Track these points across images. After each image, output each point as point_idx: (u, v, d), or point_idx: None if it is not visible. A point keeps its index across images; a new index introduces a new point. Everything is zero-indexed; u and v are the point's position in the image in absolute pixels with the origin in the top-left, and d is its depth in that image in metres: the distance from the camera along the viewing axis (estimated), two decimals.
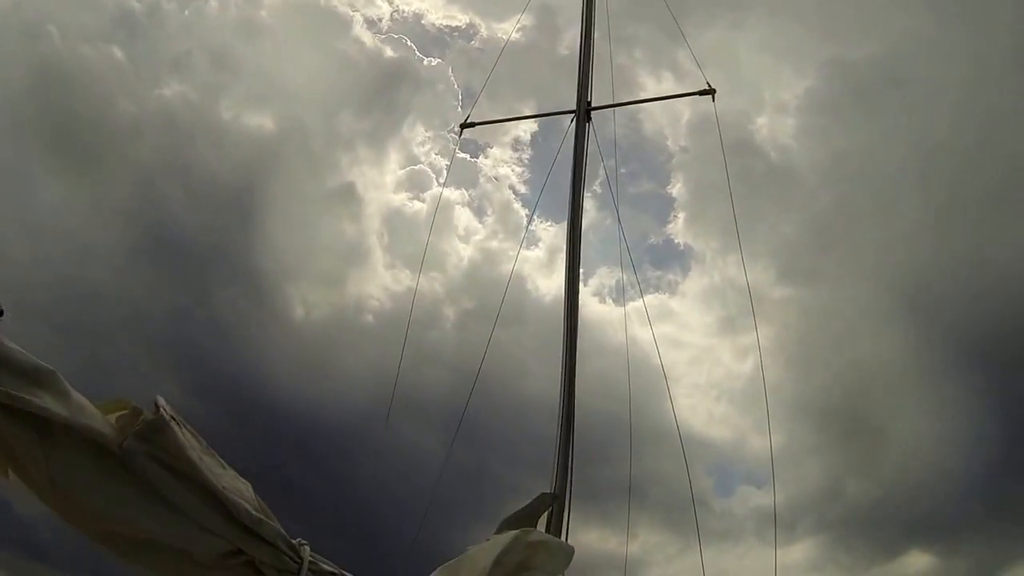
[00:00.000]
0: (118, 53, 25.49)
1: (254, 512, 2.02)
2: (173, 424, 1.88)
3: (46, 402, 1.65)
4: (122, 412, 1.89)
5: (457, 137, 9.86)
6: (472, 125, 9.12)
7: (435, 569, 3.65)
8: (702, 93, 8.32)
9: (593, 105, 7.78)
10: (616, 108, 8.37)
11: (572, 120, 7.66)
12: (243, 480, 2.15)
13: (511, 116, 10.78)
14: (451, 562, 3.65)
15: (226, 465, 2.14)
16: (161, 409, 1.87)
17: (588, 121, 7.55)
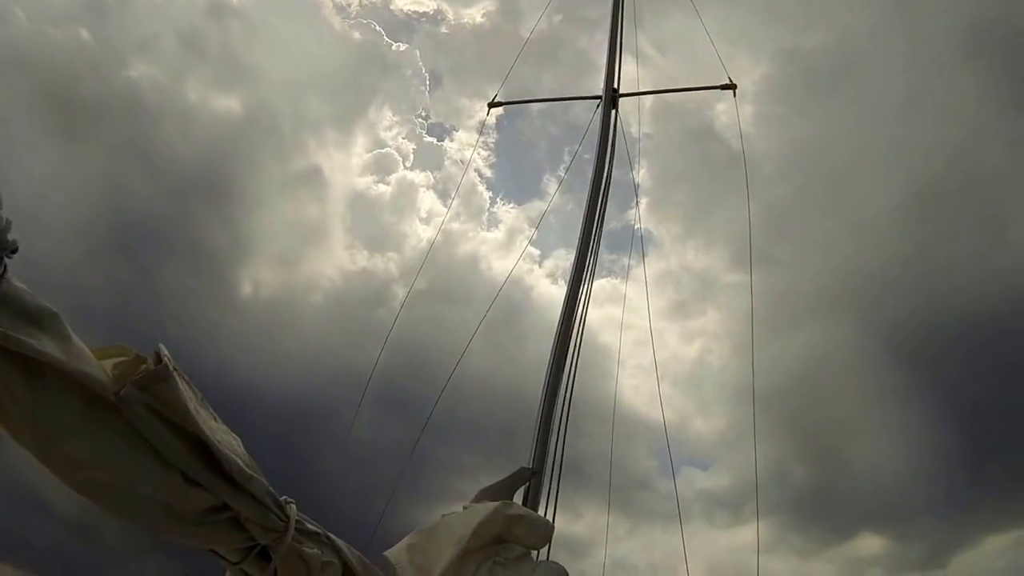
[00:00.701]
0: (85, 34, 24.93)
1: (246, 468, 1.97)
2: (176, 374, 1.82)
3: (43, 344, 1.58)
4: (120, 359, 1.83)
5: (485, 115, 10.11)
6: (499, 104, 9.48)
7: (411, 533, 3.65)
8: (724, 87, 8.63)
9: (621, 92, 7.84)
10: (642, 96, 8.60)
11: (597, 104, 7.75)
12: (234, 435, 2.10)
13: (536, 98, 11.30)
14: (425, 528, 3.64)
15: (218, 419, 2.09)
16: (164, 359, 1.82)
17: (615, 107, 7.59)
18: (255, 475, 2.00)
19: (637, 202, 9.02)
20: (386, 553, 3.45)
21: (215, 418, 2.06)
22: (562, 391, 5.25)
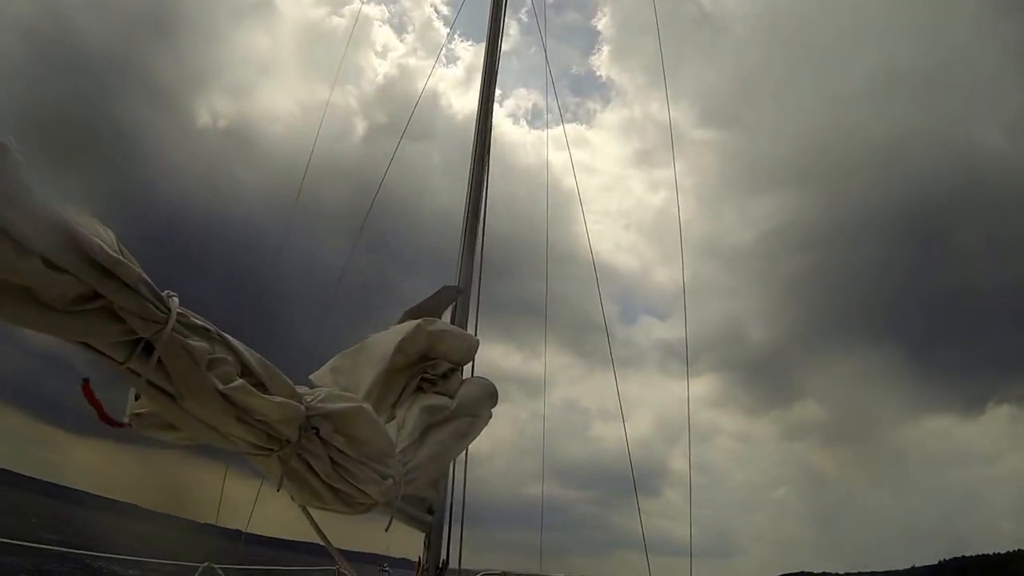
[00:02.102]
0: None
1: (111, 252, 1.75)
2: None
3: None
4: None
5: None
6: None
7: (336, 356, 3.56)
8: None
9: None
10: None
11: None
12: (105, 228, 1.87)
13: None
14: (350, 349, 3.53)
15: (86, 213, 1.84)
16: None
17: None
18: (124, 260, 1.79)
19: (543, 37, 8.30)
20: (310, 376, 3.36)
21: (82, 212, 1.81)
22: (482, 210, 5.09)
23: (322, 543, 3.15)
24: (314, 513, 2.92)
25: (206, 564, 5.22)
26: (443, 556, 4.15)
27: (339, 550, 3.28)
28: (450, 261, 4.91)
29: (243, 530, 5.09)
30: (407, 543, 4.16)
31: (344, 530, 3.28)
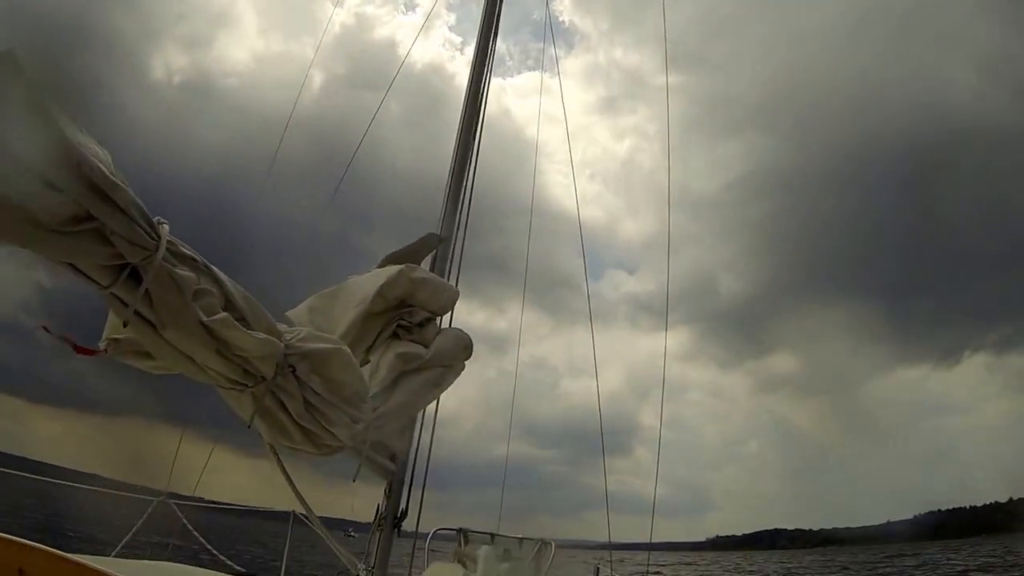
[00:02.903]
0: None
1: (109, 174, 1.74)
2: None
3: None
4: None
5: None
6: None
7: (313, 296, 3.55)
8: None
9: None
10: None
11: None
12: (104, 149, 1.84)
13: None
14: (329, 289, 3.52)
15: (86, 133, 1.81)
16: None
17: None
18: (120, 184, 1.77)
19: None
20: (287, 313, 3.35)
21: (82, 131, 1.79)
22: (471, 160, 5.04)
23: (286, 481, 3.17)
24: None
25: (161, 499, 5.25)
26: (402, 506, 4.22)
27: (302, 497, 3.31)
28: (428, 215, 4.89)
29: (192, 493, 5.14)
30: (372, 508, 4.24)
31: (310, 498, 3.34)
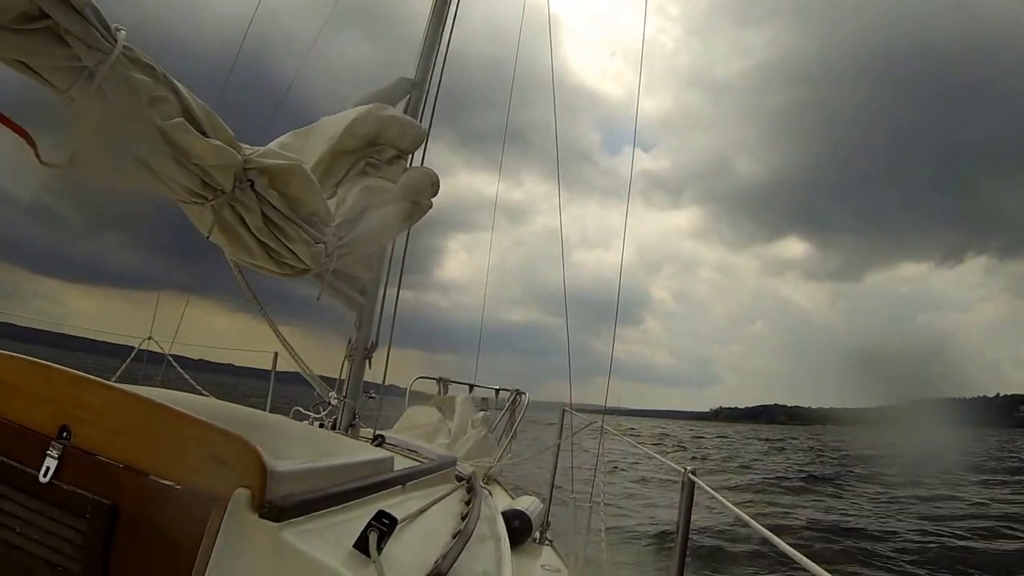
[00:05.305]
0: None
1: None
2: None
3: None
4: None
5: None
6: None
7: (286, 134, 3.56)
8: None
9: None
10: None
11: None
12: None
13: None
14: (302, 129, 3.55)
15: None
16: None
17: None
18: None
19: None
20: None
21: None
22: (449, 3, 4.91)
23: (249, 299, 3.29)
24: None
25: (147, 337, 5.40)
26: (372, 338, 4.39)
27: (265, 312, 3.44)
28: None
29: (167, 352, 5.27)
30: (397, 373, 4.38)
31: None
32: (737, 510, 2.19)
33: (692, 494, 2.49)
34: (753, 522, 2.05)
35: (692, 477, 2.48)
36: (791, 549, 1.66)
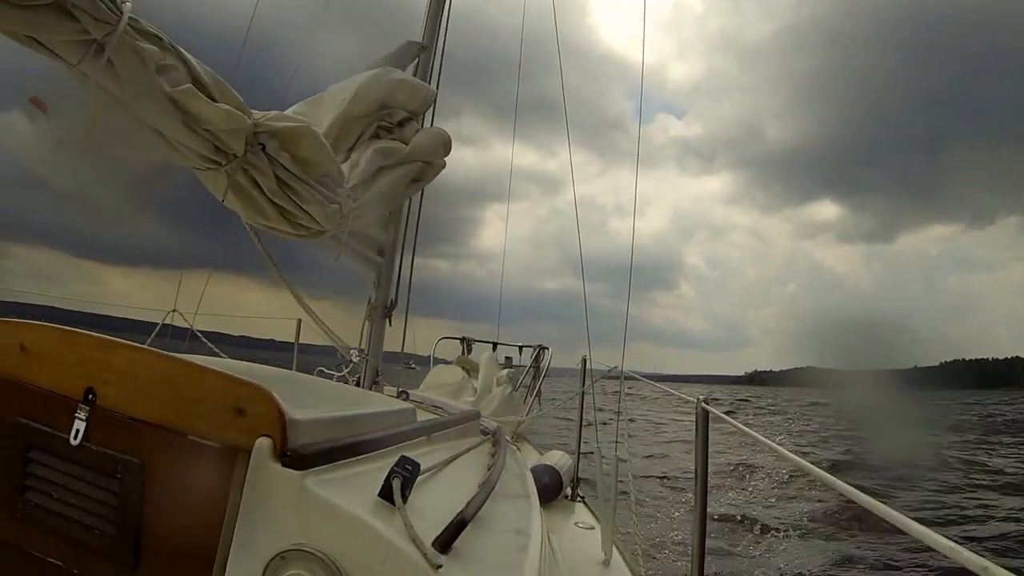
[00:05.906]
0: None
1: None
2: None
3: None
4: None
5: None
6: None
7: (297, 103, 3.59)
8: None
9: None
10: None
11: None
12: None
13: None
14: (313, 97, 3.57)
15: None
16: None
17: None
18: None
19: None
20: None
21: None
22: None
23: (267, 264, 3.34)
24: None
25: (171, 310, 5.48)
26: (391, 297, 4.45)
27: (282, 274, 3.47)
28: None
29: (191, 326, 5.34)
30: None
31: None
32: (760, 436, 2.20)
33: (708, 425, 2.49)
34: (780, 448, 2.05)
35: (706, 407, 2.48)
36: (823, 472, 1.65)
